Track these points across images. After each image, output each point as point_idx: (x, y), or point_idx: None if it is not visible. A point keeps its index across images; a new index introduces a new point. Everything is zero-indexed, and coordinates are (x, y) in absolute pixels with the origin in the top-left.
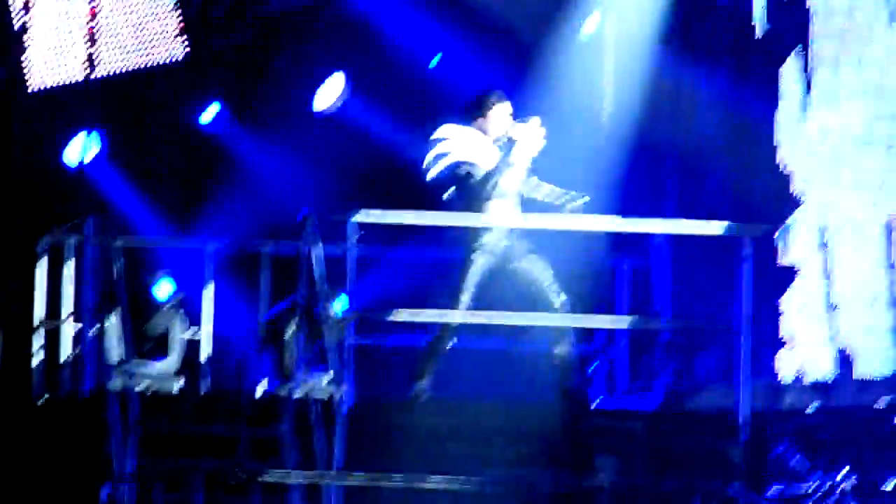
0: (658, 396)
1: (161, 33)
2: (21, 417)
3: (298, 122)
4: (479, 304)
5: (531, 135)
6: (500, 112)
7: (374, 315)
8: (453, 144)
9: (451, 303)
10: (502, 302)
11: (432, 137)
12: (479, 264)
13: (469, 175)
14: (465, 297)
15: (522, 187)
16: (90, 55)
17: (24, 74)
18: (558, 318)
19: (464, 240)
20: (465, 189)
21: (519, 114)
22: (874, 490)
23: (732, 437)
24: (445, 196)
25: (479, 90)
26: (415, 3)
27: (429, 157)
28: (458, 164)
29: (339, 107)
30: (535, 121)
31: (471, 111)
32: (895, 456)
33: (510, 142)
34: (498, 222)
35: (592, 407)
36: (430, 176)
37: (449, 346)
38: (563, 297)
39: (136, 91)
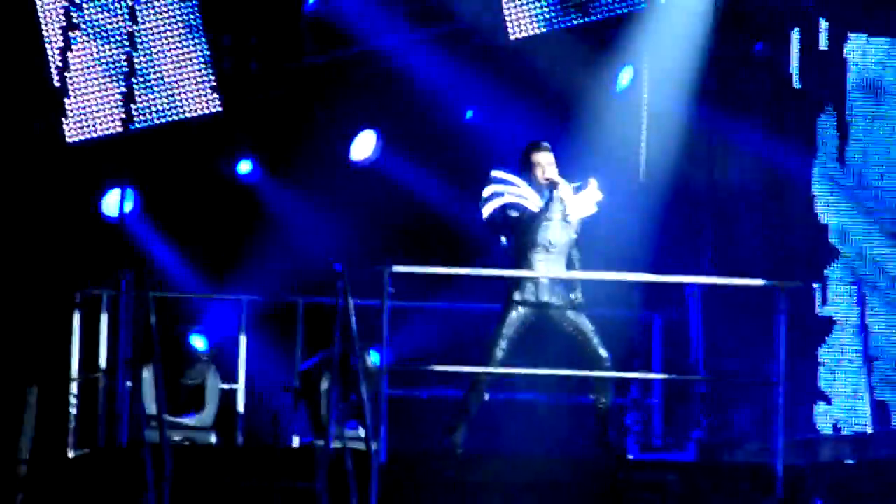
0: (693, 450)
1: (196, 87)
2: (57, 470)
3: (333, 176)
4: (522, 356)
5: (583, 195)
6: (539, 160)
7: (408, 368)
8: (506, 187)
9: (485, 355)
10: (547, 354)
11: (489, 178)
12: (514, 317)
13: (520, 216)
14: (498, 350)
15: (571, 244)
16: (127, 109)
17: (62, 127)
18: (595, 371)
19: (504, 292)
20: (516, 231)
21: (560, 168)
22: None
23: (768, 491)
24: (500, 239)
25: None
26: (451, 57)
27: (484, 193)
28: (509, 205)
29: (373, 160)
30: (592, 183)
31: (519, 164)
32: None
33: (550, 188)
34: (535, 274)
35: (629, 459)
36: (485, 213)
37: (481, 399)
38: (607, 353)
39: (172, 145)
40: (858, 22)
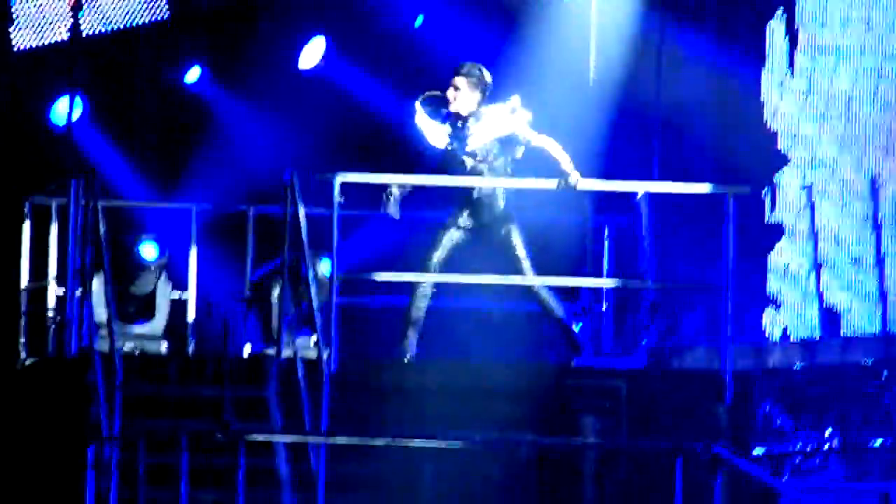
0: (643, 356)
1: None
2: (6, 379)
3: (282, 84)
4: (458, 264)
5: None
6: (453, 83)
7: (358, 276)
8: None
9: (421, 262)
10: (487, 262)
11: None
12: (451, 230)
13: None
14: (435, 258)
15: (492, 156)
16: (75, 16)
17: (9, 35)
18: (543, 279)
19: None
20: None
21: (506, 76)
22: (859, 448)
23: (717, 396)
24: None
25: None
26: None
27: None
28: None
29: (322, 68)
30: (514, 100)
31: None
32: (880, 414)
33: (460, 121)
34: (477, 183)
35: (577, 365)
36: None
37: (425, 303)
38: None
39: (120, 52)
40: None
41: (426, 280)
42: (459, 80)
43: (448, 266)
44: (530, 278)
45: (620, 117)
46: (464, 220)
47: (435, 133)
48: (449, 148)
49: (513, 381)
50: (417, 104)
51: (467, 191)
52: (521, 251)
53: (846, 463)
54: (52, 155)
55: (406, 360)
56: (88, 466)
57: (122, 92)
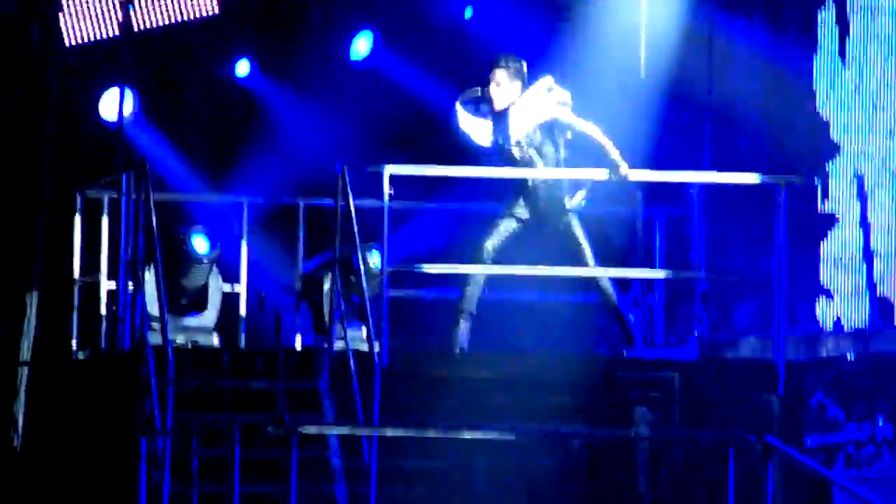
0: (695, 347)
1: None
2: (60, 373)
3: (332, 76)
4: (518, 257)
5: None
6: (497, 76)
7: (409, 268)
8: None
9: (475, 250)
10: (543, 255)
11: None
12: (507, 220)
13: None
14: (489, 245)
15: (540, 146)
16: (125, 11)
17: (61, 29)
18: (595, 270)
19: (499, 195)
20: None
21: (556, 69)
22: None
23: (770, 387)
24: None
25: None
26: None
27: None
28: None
29: (371, 60)
30: (545, 80)
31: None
32: None
33: (501, 116)
34: (534, 174)
35: (630, 357)
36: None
37: (477, 294)
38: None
39: (170, 47)
40: None
41: (477, 271)
42: (500, 74)
43: (503, 255)
44: (584, 269)
45: (672, 109)
46: (520, 210)
47: (479, 131)
48: (495, 142)
49: (565, 373)
50: (458, 106)
51: (522, 181)
52: (583, 241)
53: None
54: (103, 149)
55: (457, 352)
56: (142, 460)
57: (173, 86)
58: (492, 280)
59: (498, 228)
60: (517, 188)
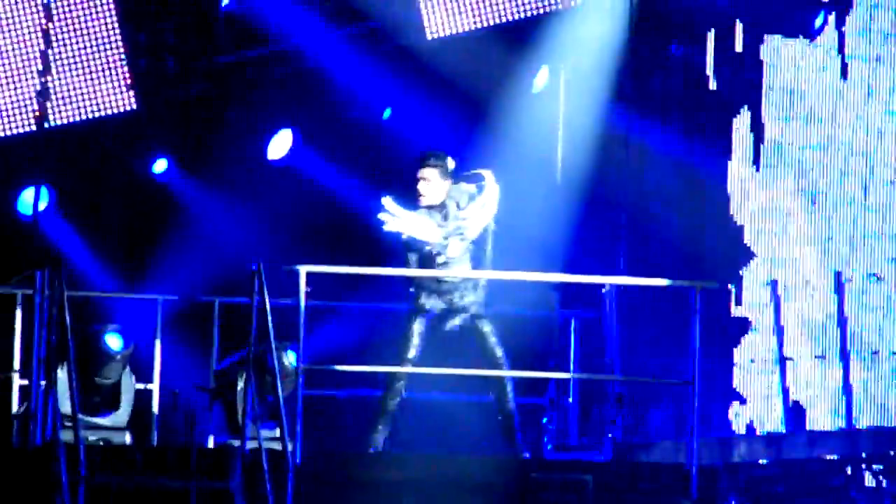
0: (609, 450)
1: (112, 85)
2: None
3: (249, 175)
4: (433, 356)
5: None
6: (421, 174)
7: (324, 368)
8: (397, 219)
9: (397, 356)
10: (458, 353)
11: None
12: (419, 319)
13: (409, 252)
14: (408, 352)
15: (468, 248)
16: (42, 106)
17: None
18: (509, 372)
19: (408, 296)
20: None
21: (471, 168)
22: None
23: (684, 491)
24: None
25: (459, 143)
26: (368, 56)
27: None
28: (406, 240)
29: (289, 159)
30: (487, 177)
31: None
32: None
33: (442, 211)
34: (444, 274)
35: (544, 459)
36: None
37: (397, 398)
38: (501, 352)
39: (88, 143)
40: (774, 24)
41: (392, 370)
42: (429, 172)
43: (420, 357)
44: (498, 371)
45: (587, 210)
46: (431, 304)
47: (427, 228)
48: (442, 240)
49: (479, 474)
50: (390, 202)
51: (435, 278)
52: (493, 338)
53: None
54: (18, 245)
55: (372, 452)
56: None
57: (90, 182)
58: (410, 379)
59: (413, 332)
60: (428, 285)
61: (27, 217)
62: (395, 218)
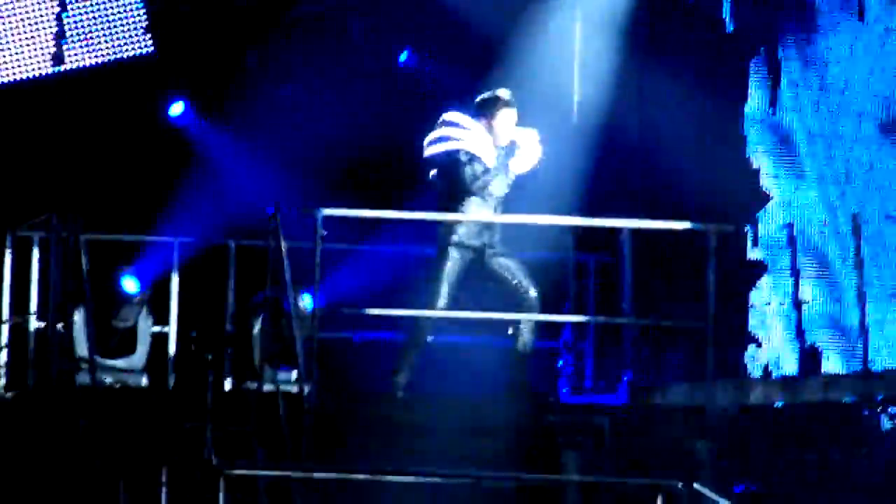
0: (625, 393)
1: (129, 28)
2: None
3: (267, 118)
4: (456, 299)
5: (531, 146)
6: (506, 117)
7: (341, 311)
8: (463, 132)
9: (430, 297)
10: (480, 298)
11: (442, 119)
12: (454, 260)
13: (468, 165)
14: (444, 292)
15: (507, 193)
16: (59, 49)
17: None
18: (525, 314)
19: (439, 235)
20: (458, 177)
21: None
22: (841, 486)
23: (699, 433)
24: (431, 175)
25: (490, 90)
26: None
27: (433, 135)
28: (460, 151)
29: (304, 102)
30: (533, 133)
31: (479, 110)
32: (862, 452)
33: (512, 147)
34: (471, 218)
35: (560, 402)
36: (428, 153)
37: (424, 341)
38: (535, 291)
39: (105, 86)
40: None
41: (407, 314)
42: (514, 113)
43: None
44: (517, 314)
45: (603, 154)
46: (471, 239)
47: (490, 148)
48: (493, 174)
49: (495, 417)
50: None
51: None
52: (519, 271)
53: (826, 498)
54: (34, 188)
55: (392, 395)
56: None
57: (106, 126)
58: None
59: (448, 276)
60: (472, 222)
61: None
62: (457, 137)
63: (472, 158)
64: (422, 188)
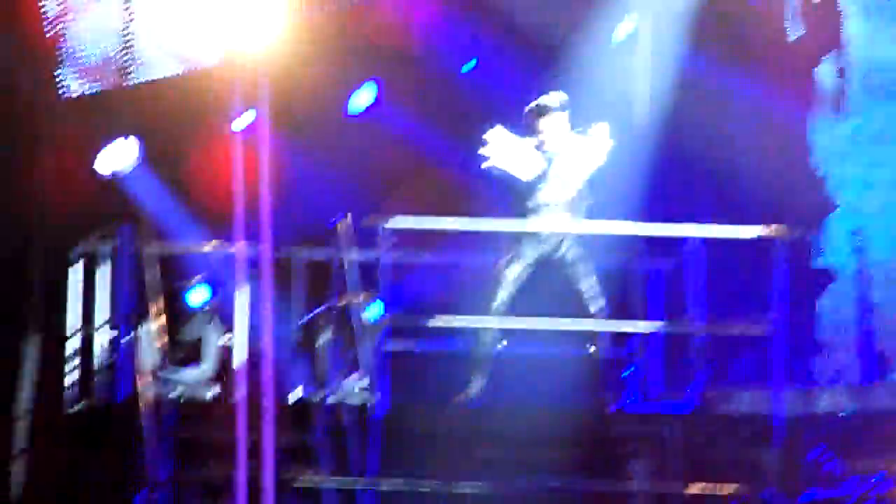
0: (692, 401)
1: (197, 39)
2: (57, 425)
3: (333, 128)
4: (522, 310)
5: (601, 140)
6: (550, 123)
7: (407, 320)
8: (492, 150)
9: (490, 305)
10: (548, 307)
11: (483, 138)
12: (515, 271)
13: (506, 180)
14: (499, 303)
15: (577, 198)
16: (126, 61)
17: (60, 80)
18: (592, 322)
19: (503, 246)
20: (507, 191)
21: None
22: None
23: (766, 441)
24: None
25: (541, 94)
26: (448, 7)
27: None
28: (492, 168)
29: (373, 112)
30: (601, 128)
31: (528, 115)
32: None
33: (549, 158)
34: (533, 228)
35: (627, 411)
36: (483, 166)
37: (490, 350)
38: (601, 302)
39: (172, 97)
40: None
41: (476, 324)
42: (564, 117)
43: (510, 307)
44: (584, 322)
45: (669, 160)
46: (531, 250)
47: (523, 164)
48: (540, 179)
49: (561, 427)
50: (498, 132)
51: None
52: (587, 285)
53: None
54: (101, 201)
55: (458, 406)
56: None
57: (174, 136)
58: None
59: (508, 281)
60: (530, 233)
61: (112, 173)
62: (493, 153)
63: (507, 176)
64: (484, 197)
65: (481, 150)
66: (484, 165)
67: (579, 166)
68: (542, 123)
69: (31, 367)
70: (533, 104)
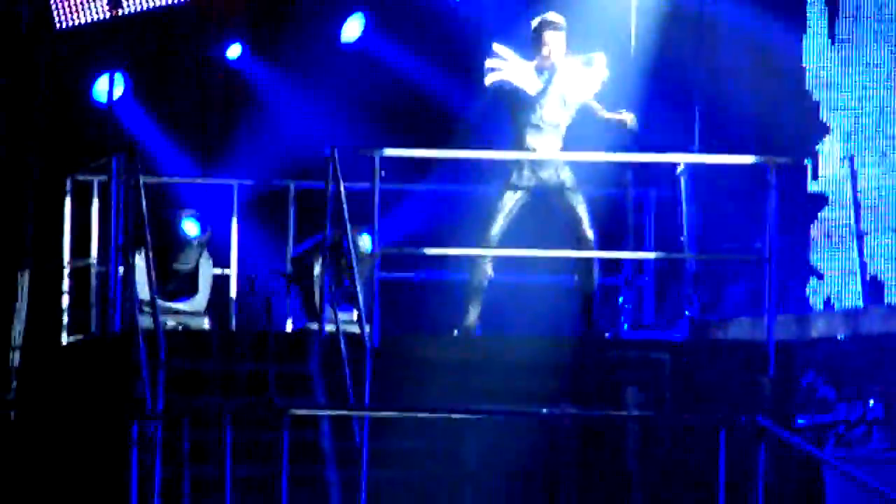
0: (686, 328)
1: None
2: (50, 357)
3: (322, 59)
4: (515, 237)
5: (598, 68)
6: (547, 39)
7: (400, 251)
8: (502, 63)
9: (480, 236)
10: (541, 236)
11: (491, 49)
12: (508, 198)
13: (511, 95)
14: (494, 231)
15: (567, 123)
16: None
17: (51, 13)
18: (584, 252)
19: (495, 173)
20: (510, 108)
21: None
22: None
23: (760, 367)
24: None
25: (543, 12)
26: None
27: (486, 64)
28: (503, 82)
29: (362, 42)
30: (599, 58)
31: (536, 28)
32: None
33: (550, 71)
34: (526, 156)
35: (620, 338)
36: (486, 82)
37: (485, 279)
38: (592, 234)
39: (162, 29)
40: None
41: (469, 253)
42: (560, 35)
43: (504, 236)
44: (576, 252)
45: (660, 88)
46: (525, 178)
47: (528, 79)
48: (539, 95)
49: (555, 355)
50: (500, 47)
51: (531, 151)
52: (583, 213)
53: (889, 433)
54: (93, 132)
55: (470, 337)
56: (132, 443)
57: (164, 69)
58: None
59: (502, 209)
60: (522, 160)
61: (103, 104)
62: (499, 68)
63: (514, 89)
64: (477, 126)
65: (488, 63)
66: (490, 79)
67: (577, 89)
68: (548, 37)
69: (25, 298)
70: (539, 18)
